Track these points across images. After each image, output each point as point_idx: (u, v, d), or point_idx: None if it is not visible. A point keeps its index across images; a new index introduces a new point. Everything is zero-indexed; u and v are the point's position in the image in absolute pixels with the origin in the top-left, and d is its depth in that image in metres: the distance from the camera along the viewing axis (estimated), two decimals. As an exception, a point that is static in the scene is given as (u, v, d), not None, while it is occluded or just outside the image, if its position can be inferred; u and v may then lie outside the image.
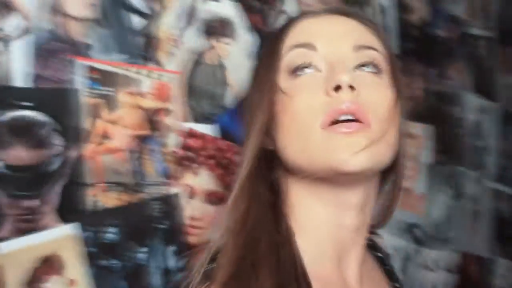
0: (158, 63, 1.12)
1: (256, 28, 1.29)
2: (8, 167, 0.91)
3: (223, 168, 1.21)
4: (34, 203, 0.93)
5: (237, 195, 0.60)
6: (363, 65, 0.62)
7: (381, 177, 0.66)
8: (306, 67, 0.60)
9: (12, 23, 0.95)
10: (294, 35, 0.62)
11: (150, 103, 1.10)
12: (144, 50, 1.10)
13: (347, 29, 0.62)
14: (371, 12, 1.55)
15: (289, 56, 0.61)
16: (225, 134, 1.21)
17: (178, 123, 1.14)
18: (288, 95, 0.60)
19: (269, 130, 0.61)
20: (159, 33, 1.13)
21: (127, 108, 1.07)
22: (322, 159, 0.57)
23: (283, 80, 0.61)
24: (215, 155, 1.20)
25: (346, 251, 0.63)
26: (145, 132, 1.09)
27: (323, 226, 0.62)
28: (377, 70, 0.63)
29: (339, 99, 0.57)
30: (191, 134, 1.16)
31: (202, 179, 1.16)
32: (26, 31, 0.96)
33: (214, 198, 1.16)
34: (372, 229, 0.71)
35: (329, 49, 0.60)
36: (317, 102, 0.58)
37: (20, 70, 0.94)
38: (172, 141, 1.13)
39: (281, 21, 1.33)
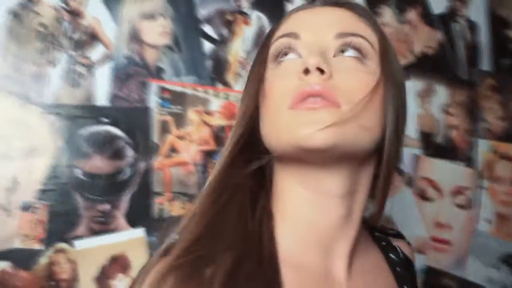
0: (226, 84, 1.21)
1: (326, 49, 1.31)
2: (86, 174, 1.05)
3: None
4: (107, 207, 1.05)
5: (213, 178, 0.61)
6: (343, 51, 0.61)
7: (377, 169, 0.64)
8: (286, 53, 0.61)
9: (96, 52, 1.11)
10: (283, 27, 0.64)
11: (217, 120, 1.18)
12: (212, 72, 1.20)
13: (333, 18, 0.62)
14: (458, 28, 1.48)
15: (274, 45, 0.62)
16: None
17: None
18: (269, 82, 0.61)
19: (256, 118, 0.63)
20: (228, 56, 1.22)
21: (195, 125, 1.16)
22: (287, 135, 0.56)
23: (269, 70, 0.62)
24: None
25: (333, 241, 0.61)
26: (211, 147, 1.17)
27: (305, 213, 0.60)
28: (361, 56, 0.61)
29: (307, 81, 0.56)
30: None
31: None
32: (107, 58, 1.11)
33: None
34: (371, 225, 0.68)
35: (312, 37, 0.60)
36: (289, 86, 0.58)
37: (101, 91, 1.09)
38: (238, 157, 1.19)
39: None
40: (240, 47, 1.23)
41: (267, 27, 1.27)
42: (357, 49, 0.61)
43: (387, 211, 1.30)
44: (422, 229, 1.36)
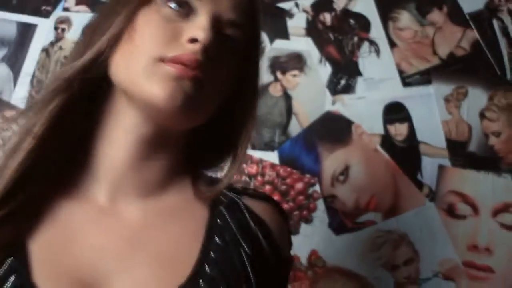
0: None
1: (331, 59, 1.28)
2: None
3: (281, 195, 1.20)
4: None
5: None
6: (227, 33, 0.63)
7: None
8: (181, 5, 0.59)
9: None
10: None
11: (208, 131, 1.23)
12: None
13: None
14: (500, 25, 1.29)
15: None
16: (287, 161, 1.21)
17: (234, 149, 1.22)
18: (145, 21, 0.60)
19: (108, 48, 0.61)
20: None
21: (186, 136, 1.22)
22: (145, 84, 0.57)
23: (152, 6, 0.60)
24: (273, 181, 1.20)
25: (123, 181, 0.62)
26: (201, 156, 1.21)
27: (109, 148, 0.63)
28: (236, 48, 0.63)
29: (187, 47, 0.57)
30: (247, 160, 1.21)
31: (257, 204, 1.17)
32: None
33: (268, 223, 1.15)
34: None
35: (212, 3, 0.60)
36: (166, 39, 0.58)
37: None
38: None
39: (363, 48, 1.29)
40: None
41: (267, 43, 1.30)
42: (237, 40, 0.64)
43: (404, 226, 1.15)
44: (450, 251, 1.15)
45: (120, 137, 0.62)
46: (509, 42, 1.29)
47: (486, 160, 1.21)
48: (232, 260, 0.60)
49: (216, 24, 0.60)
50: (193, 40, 0.58)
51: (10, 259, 0.54)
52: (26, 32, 1.33)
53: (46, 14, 1.35)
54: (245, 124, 0.68)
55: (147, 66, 0.57)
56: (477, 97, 1.24)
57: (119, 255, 0.57)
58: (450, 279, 1.14)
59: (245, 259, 0.61)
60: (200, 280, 0.56)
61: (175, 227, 0.62)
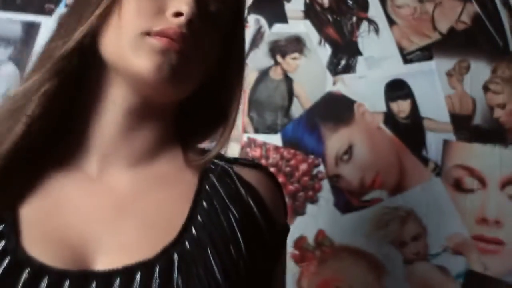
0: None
1: (330, 40, 1.28)
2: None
3: (285, 176, 1.20)
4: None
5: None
6: (213, 10, 0.64)
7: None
8: None
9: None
10: None
11: (211, 118, 1.24)
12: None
13: None
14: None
15: None
16: (290, 143, 1.21)
17: (237, 134, 1.22)
18: None
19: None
20: (225, 59, 1.28)
21: (189, 123, 1.23)
22: (132, 58, 0.59)
23: None
24: (277, 163, 1.21)
25: (113, 151, 0.63)
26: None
27: (96, 119, 0.64)
28: (218, 23, 0.65)
29: (173, 21, 0.59)
30: (251, 143, 1.22)
31: (262, 186, 1.18)
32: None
33: (274, 205, 1.15)
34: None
35: None
36: (152, 11, 0.60)
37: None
38: (231, 151, 1.21)
39: (362, 28, 1.28)
40: (235, 49, 1.29)
41: (266, 28, 1.30)
42: (222, 15, 0.65)
43: (410, 202, 1.15)
44: (458, 225, 1.14)
45: (109, 109, 0.64)
46: (510, 13, 1.28)
47: (492, 133, 1.19)
48: (220, 224, 0.61)
49: None
50: (178, 14, 0.59)
51: (1, 225, 0.56)
52: (30, 30, 1.36)
53: (49, 12, 1.38)
54: (234, 96, 0.70)
55: (134, 40, 0.59)
56: (480, 70, 1.23)
57: (107, 219, 0.59)
58: (460, 253, 1.13)
59: (234, 223, 0.62)
60: (186, 242, 0.57)
61: (163, 193, 0.63)
